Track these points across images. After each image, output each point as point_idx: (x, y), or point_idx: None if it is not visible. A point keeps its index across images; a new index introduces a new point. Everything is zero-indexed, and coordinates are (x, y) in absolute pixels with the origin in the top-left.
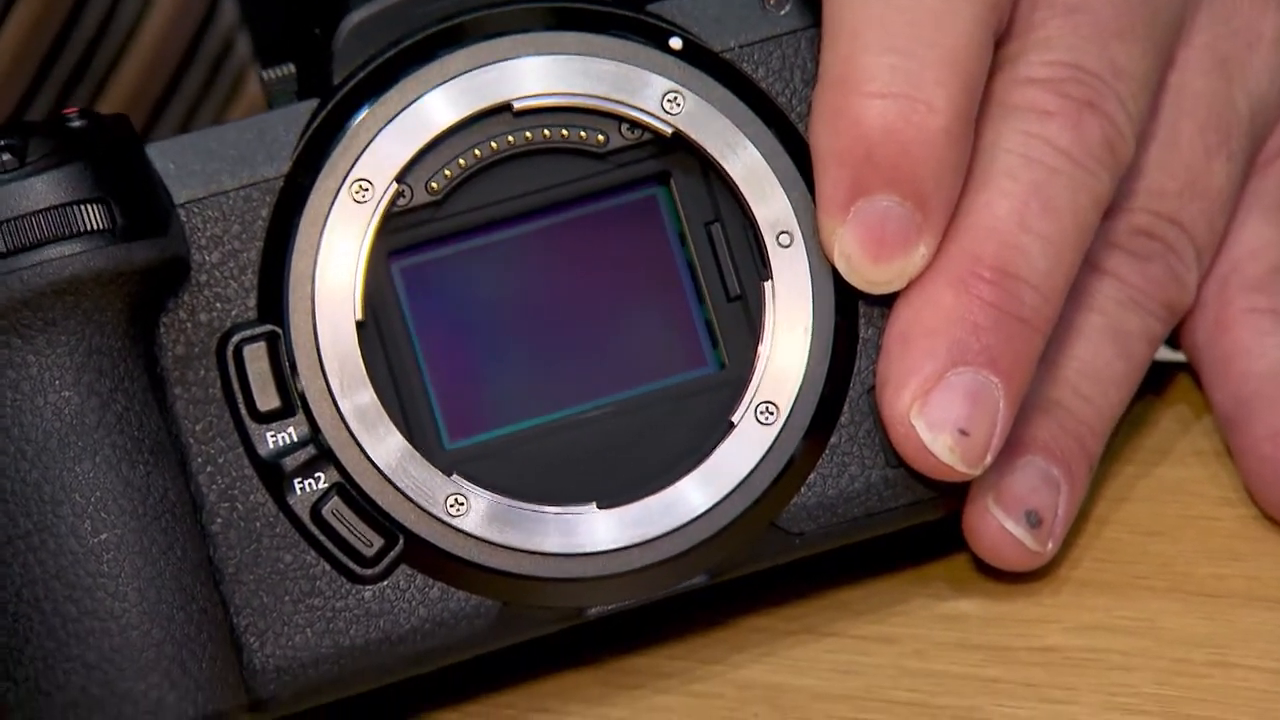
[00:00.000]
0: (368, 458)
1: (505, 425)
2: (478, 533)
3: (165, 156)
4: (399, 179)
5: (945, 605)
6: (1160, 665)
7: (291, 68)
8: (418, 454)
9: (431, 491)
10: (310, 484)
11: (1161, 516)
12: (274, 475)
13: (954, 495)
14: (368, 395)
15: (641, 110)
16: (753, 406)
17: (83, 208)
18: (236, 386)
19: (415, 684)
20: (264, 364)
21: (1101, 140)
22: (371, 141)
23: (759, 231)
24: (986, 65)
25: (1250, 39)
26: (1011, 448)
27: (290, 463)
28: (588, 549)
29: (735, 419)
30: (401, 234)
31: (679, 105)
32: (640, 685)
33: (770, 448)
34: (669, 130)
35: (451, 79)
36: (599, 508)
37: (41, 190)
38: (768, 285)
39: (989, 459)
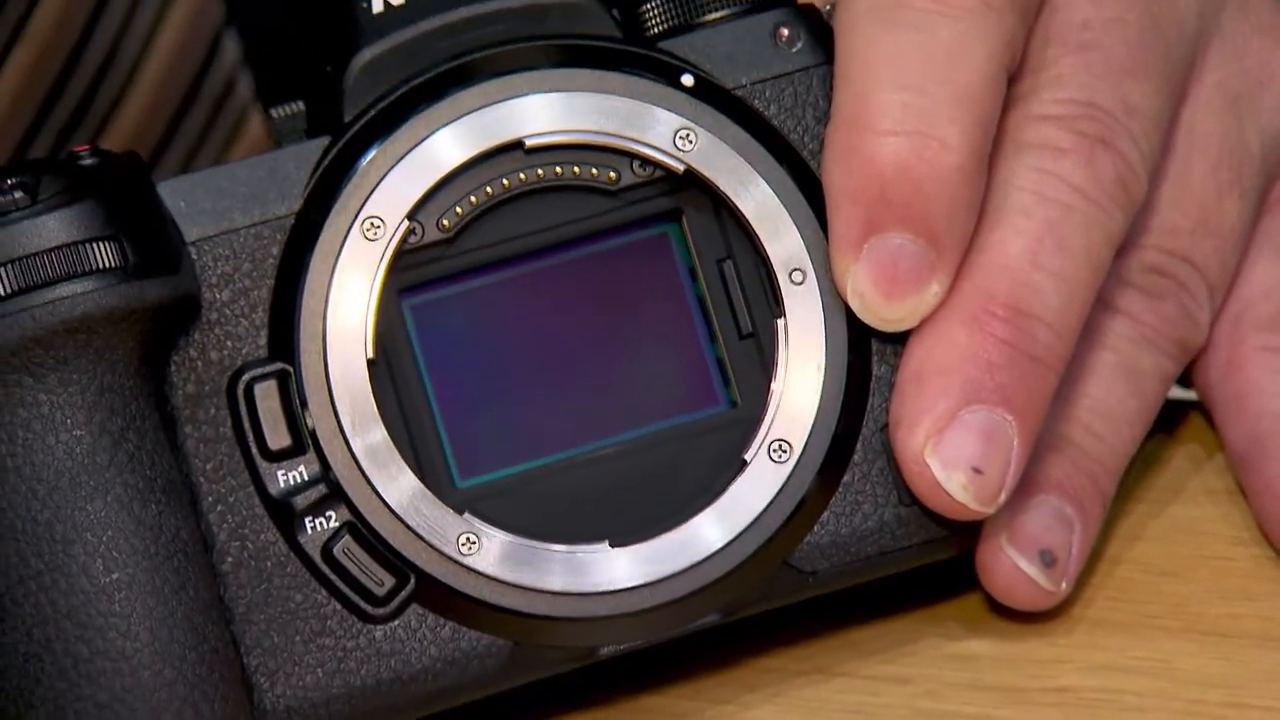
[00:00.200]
0: (379, 496)
1: (517, 463)
2: (490, 572)
3: (176, 194)
4: (410, 216)
5: (958, 645)
6: (1175, 707)
7: (300, 105)
8: (429, 493)
9: (443, 530)
10: (321, 523)
11: (1175, 556)
12: (285, 514)
13: (967, 534)
14: (379, 434)
15: (653, 147)
16: (766, 444)
17: (95, 246)
18: (247, 425)
19: None
20: (275, 402)
21: (1114, 178)
22: (383, 179)
23: (771, 269)
24: (1000, 102)
25: (1262, 77)
26: (1025, 486)
27: (301, 501)
28: (600, 588)
29: (748, 457)
30: (412, 271)
31: (691, 142)
32: None
33: (783, 486)
34: (681, 167)
35: (463, 116)
36: (611, 546)
37: (54, 228)
38: (780, 323)
39: (1003, 498)
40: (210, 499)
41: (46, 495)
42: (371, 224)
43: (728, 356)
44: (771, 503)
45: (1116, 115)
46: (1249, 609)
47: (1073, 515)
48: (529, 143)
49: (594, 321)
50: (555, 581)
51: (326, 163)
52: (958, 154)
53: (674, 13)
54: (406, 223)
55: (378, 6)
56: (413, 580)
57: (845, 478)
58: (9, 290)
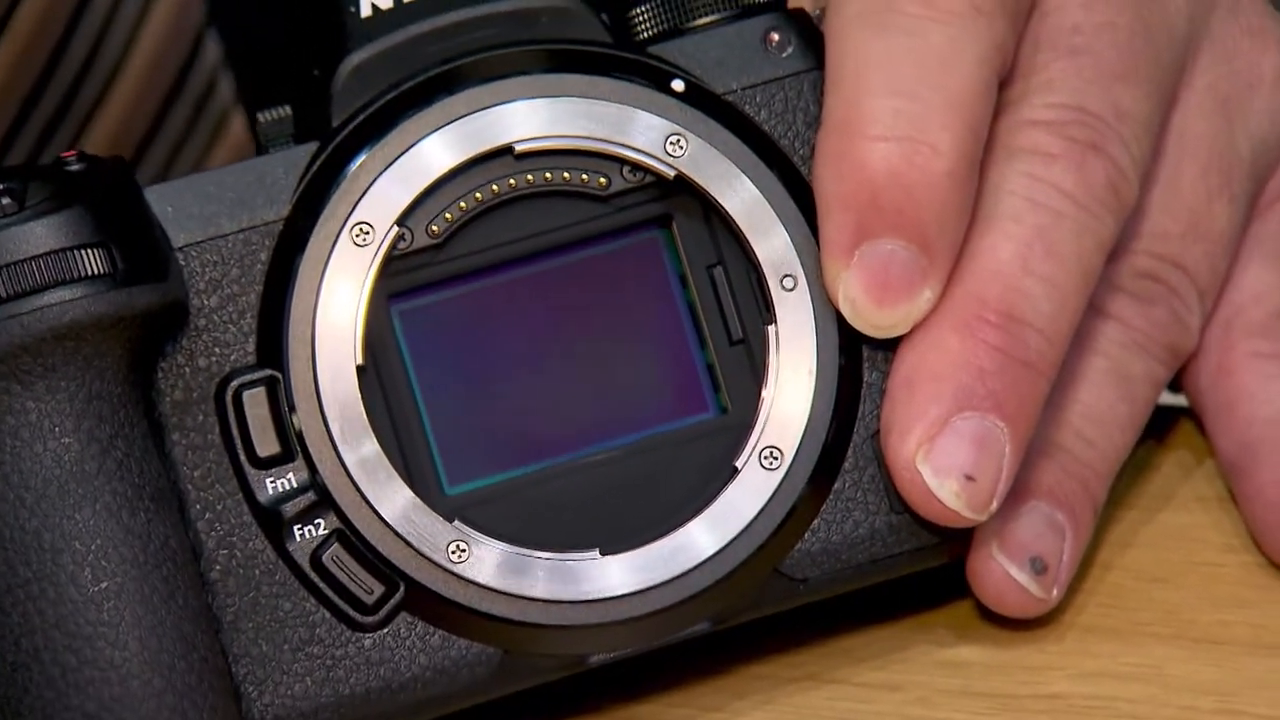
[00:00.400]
0: (369, 504)
1: (507, 470)
2: (480, 579)
3: (163, 200)
4: (400, 222)
5: (948, 652)
6: (1167, 714)
7: (287, 110)
8: (419, 500)
9: (433, 538)
10: (310, 530)
11: (1165, 563)
12: (273, 522)
13: (958, 541)
14: (369, 441)
15: (643, 153)
16: (757, 451)
17: (83, 252)
18: (235, 432)
19: None
20: (263, 409)
21: (1105, 183)
22: (372, 185)
23: (762, 274)
24: (991, 108)
25: (1251, 80)
26: (1015, 493)
27: (290, 509)
28: (590, 596)
29: (739, 464)
30: (402, 277)
31: (681, 148)
32: None
33: (774, 493)
34: (671, 173)
35: (452, 122)
36: (602, 554)
37: (41, 235)
38: (771, 329)
39: (995, 504)
40: (198, 507)
41: (34, 503)
42: (361, 230)
43: (718, 363)
44: (762, 510)
45: (1107, 120)
46: (1240, 616)
47: (1064, 522)
48: (519, 148)
49: (584, 327)
50: (545, 589)
51: (315, 168)
52: (949, 159)
53: (664, 17)
54: (396, 228)
55: (366, 10)
56: (402, 588)
57: (836, 485)
58: None
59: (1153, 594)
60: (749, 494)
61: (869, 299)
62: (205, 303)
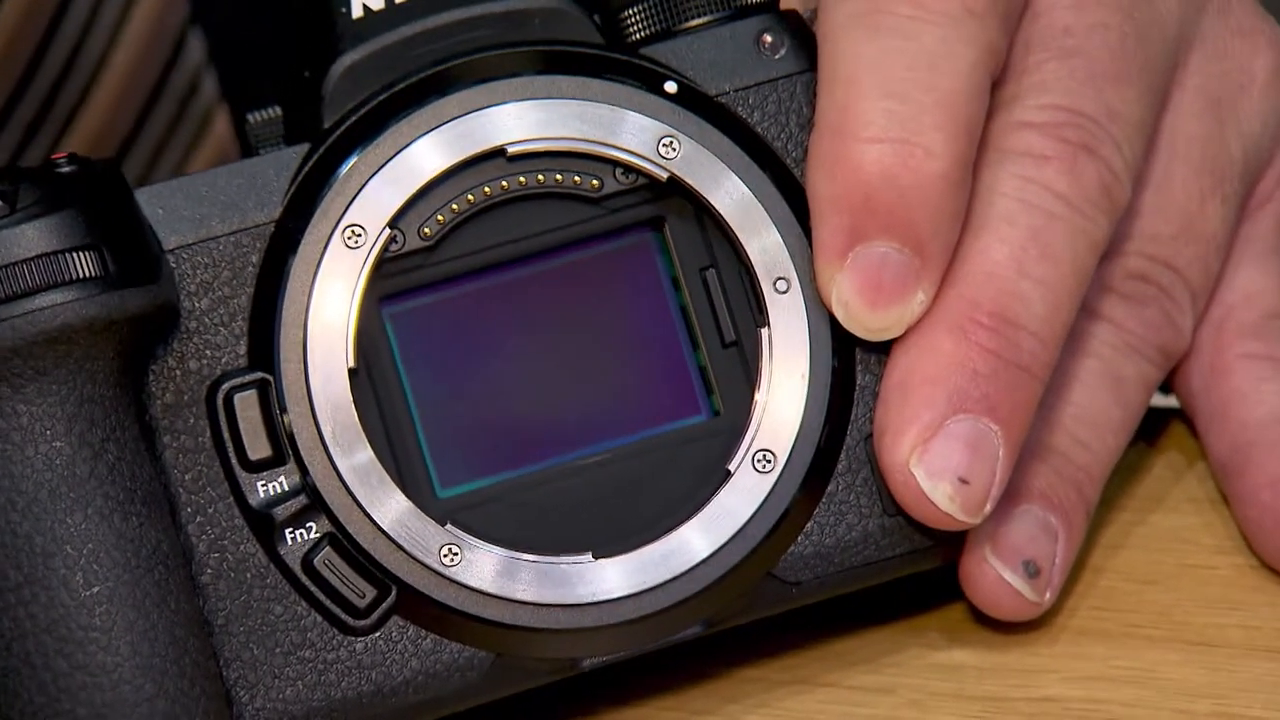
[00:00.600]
0: (360, 508)
1: (499, 473)
2: (472, 583)
3: (154, 202)
4: (391, 224)
5: (941, 655)
6: (1161, 717)
7: (278, 111)
8: (411, 503)
9: (425, 541)
10: (302, 534)
11: (1158, 565)
12: (265, 525)
13: (951, 544)
14: (360, 444)
15: (636, 155)
16: (750, 454)
17: (74, 255)
18: (227, 435)
19: None
20: (255, 412)
21: (1098, 185)
22: (364, 187)
23: (755, 277)
24: (984, 109)
25: (1242, 81)
26: (1009, 496)
27: (281, 512)
28: (583, 599)
29: (732, 467)
30: (393, 280)
31: (674, 150)
32: None
33: (767, 496)
34: (664, 175)
35: (444, 123)
36: (594, 557)
37: (32, 237)
38: (764, 332)
39: (989, 507)
40: (190, 510)
41: (26, 507)
42: (352, 232)
43: (711, 365)
44: (755, 513)
45: (1100, 121)
46: (1233, 618)
47: (1056, 525)
48: (511, 150)
49: (576, 330)
50: (538, 593)
51: (306, 170)
52: (942, 161)
53: (656, 19)
54: (388, 231)
55: (357, 11)
56: (394, 592)
57: (829, 488)
58: None
59: (1145, 596)
60: (742, 497)
61: (862, 301)
62: (196, 305)
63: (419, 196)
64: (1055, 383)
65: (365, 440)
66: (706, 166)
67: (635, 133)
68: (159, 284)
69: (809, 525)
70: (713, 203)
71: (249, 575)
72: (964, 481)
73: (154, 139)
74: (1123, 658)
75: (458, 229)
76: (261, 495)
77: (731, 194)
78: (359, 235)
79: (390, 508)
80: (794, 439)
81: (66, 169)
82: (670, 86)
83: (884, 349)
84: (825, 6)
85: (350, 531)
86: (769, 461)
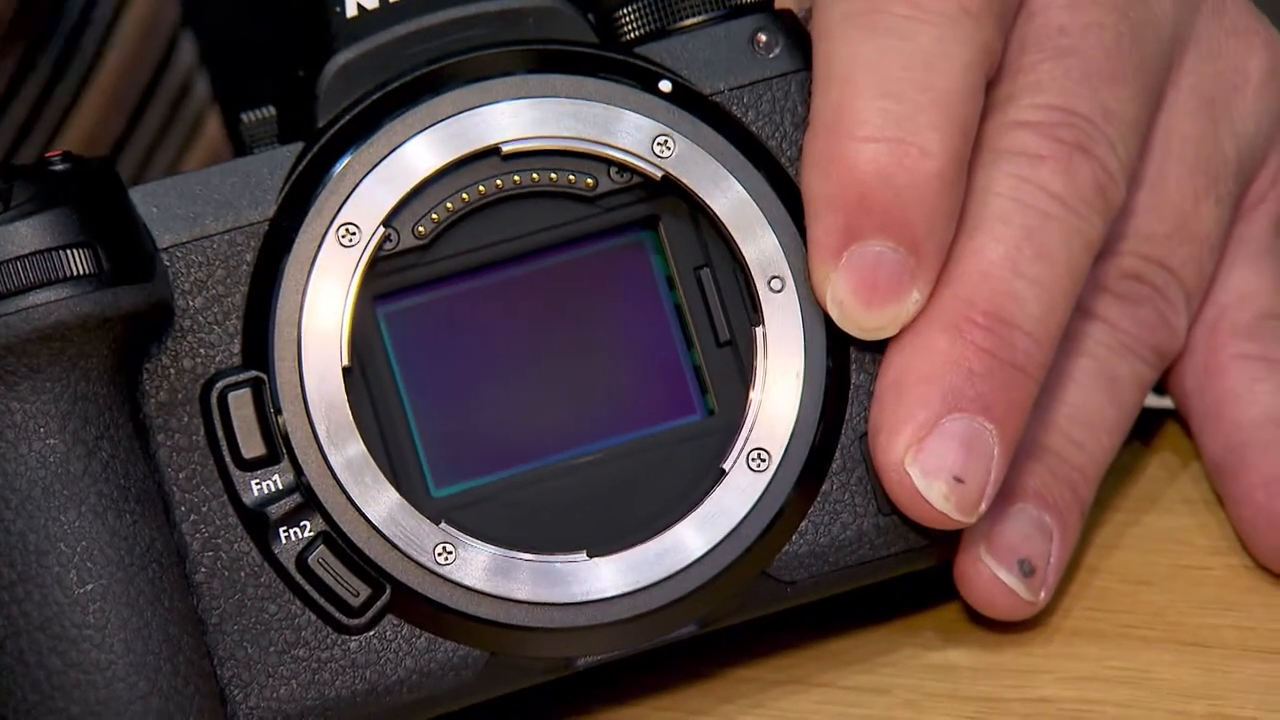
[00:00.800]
0: (355, 506)
1: (493, 472)
2: (466, 582)
3: (148, 200)
4: (386, 223)
5: (936, 655)
6: (1155, 717)
7: (272, 110)
8: (405, 502)
9: (420, 540)
10: (296, 533)
11: (1152, 565)
12: (259, 524)
13: (946, 544)
14: (355, 442)
15: (631, 154)
16: (744, 453)
17: (68, 252)
18: (221, 434)
19: None
20: (249, 411)
21: (1093, 185)
22: (358, 185)
23: (749, 276)
24: (979, 109)
25: (1236, 81)
26: (1003, 495)
27: (275, 511)
28: (577, 598)
29: (726, 466)
30: (388, 278)
31: (669, 149)
32: None
33: (762, 495)
34: (658, 174)
35: (439, 122)
36: (589, 556)
37: (27, 235)
38: (759, 331)
39: (984, 506)
40: (184, 509)
41: (19, 505)
42: (347, 230)
43: (705, 364)
44: (750, 512)
45: (1095, 121)
46: (1227, 618)
47: (1051, 524)
48: (505, 149)
49: (571, 329)
50: (532, 591)
51: (301, 169)
52: (938, 161)
53: (651, 18)
54: (382, 229)
55: (351, 10)
56: (388, 590)
57: (824, 487)
58: None
59: (1140, 597)
60: (737, 496)
61: (857, 301)
62: (190, 303)
63: (413, 195)
64: (1050, 382)
65: (359, 439)
66: (701, 166)
67: (630, 132)
68: (153, 282)
69: (804, 524)
70: (707, 202)
71: (243, 574)
72: (959, 480)
73: (146, 141)
74: (1117, 658)
75: (452, 228)
76: (255, 494)
77: (726, 193)
78: (353, 234)
79: (384, 506)
80: (789, 438)
81: (60, 167)
82: (665, 85)
83: (879, 348)
84: (820, 6)
85: (344, 530)
86: (764, 460)
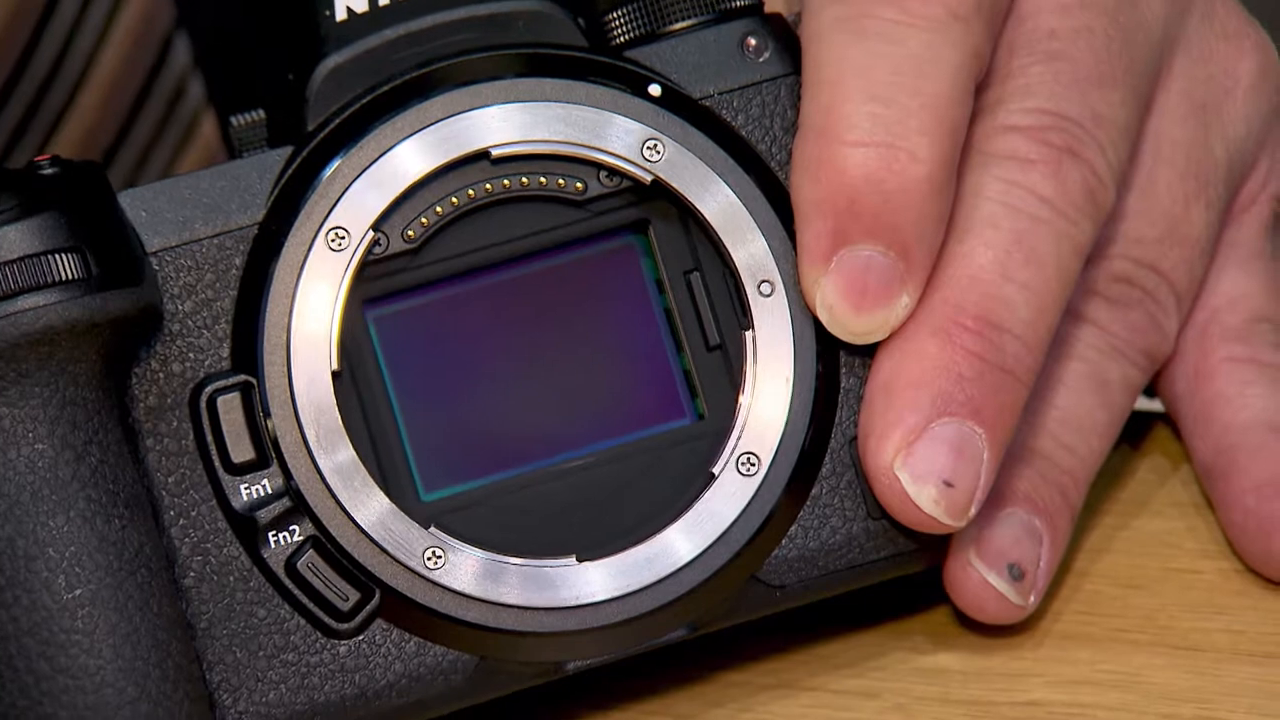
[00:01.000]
0: (344, 511)
1: (483, 477)
2: (456, 586)
3: (137, 204)
4: (375, 227)
5: (926, 659)
6: None
7: (261, 114)
8: (395, 507)
9: (409, 544)
10: (285, 537)
11: (1142, 569)
12: (248, 528)
13: (936, 548)
14: (344, 447)
15: (620, 158)
16: (734, 458)
17: (57, 257)
18: (210, 438)
19: None
20: (238, 415)
21: (1083, 188)
22: (347, 189)
23: (739, 280)
24: (968, 113)
25: (1226, 85)
26: (993, 499)
27: (265, 515)
28: (567, 602)
29: (716, 470)
30: (377, 282)
31: (658, 153)
32: None
33: (751, 500)
34: (648, 178)
35: (428, 126)
36: (578, 560)
37: (14, 240)
38: (748, 335)
39: (973, 510)
40: (172, 513)
41: (8, 510)
42: (336, 235)
43: (695, 369)
44: (739, 517)
45: (1084, 125)
46: (1218, 622)
47: (1041, 528)
48: (495, 153)
49: (560, 333)
50: (522, 596)
51: (290, 173)
52: (927, 165)
53: (640, 21)
54: (371, 233)
55: (341, 14)
56: (378, 595)
57: (814, 491)
58: None
59: (1130, 601)
60: (726, 500)
61: (847, 305)
62: (180, 308)
63: (403, 199)
64: (1040, 386)
65: (348, 443)
66: (691, 170)
67: (620, 136)
68: (142, 286)
69: (793, 529)
70: (697, 206)
71: (232, 578)
72: (948, 485)
73: (141, 143)
74: (1107, 662)
75: (441, 232)
76: (244, 498)
77: (716, 197)
78: (342, 238)
79: (373, 511)
80: (778, 442)
81: (49, 171)
82: (654, 89)
83: (868, 352)
84: (810, 10)
85: (333, 534)
86: (753, 465)
